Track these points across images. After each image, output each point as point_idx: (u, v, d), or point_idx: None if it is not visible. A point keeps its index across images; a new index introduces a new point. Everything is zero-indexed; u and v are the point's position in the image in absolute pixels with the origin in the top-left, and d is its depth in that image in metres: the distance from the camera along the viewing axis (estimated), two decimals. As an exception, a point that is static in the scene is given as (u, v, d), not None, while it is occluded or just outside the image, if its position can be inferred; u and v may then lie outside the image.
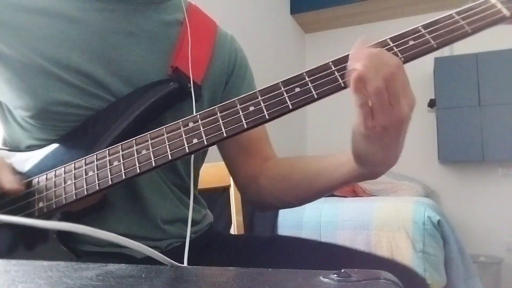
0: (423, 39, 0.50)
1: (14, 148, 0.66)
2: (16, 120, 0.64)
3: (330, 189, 0.64)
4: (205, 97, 0.69)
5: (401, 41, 0.51)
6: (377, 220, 2.08)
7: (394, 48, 0.50)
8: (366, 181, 3.20)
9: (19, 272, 0.30)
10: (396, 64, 0.46)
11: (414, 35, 0.51)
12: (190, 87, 0.63)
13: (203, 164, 0.79)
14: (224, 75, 0.73)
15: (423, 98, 3.44)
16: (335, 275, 0.26)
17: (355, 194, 3.21)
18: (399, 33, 0.51)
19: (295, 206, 0.71)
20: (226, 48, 0.74)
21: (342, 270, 0.27)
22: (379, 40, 0.51)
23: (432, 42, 0.50)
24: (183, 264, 0.36)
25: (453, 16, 0.51)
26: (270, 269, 0.30)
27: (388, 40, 0.51)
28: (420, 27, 0.51)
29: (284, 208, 0.76)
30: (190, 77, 0.64)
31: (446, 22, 0.51)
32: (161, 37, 0.66)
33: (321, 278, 0.26)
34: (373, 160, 0.53)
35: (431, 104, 3.38)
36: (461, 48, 3.13)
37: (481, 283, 2.03)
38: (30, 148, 0.62)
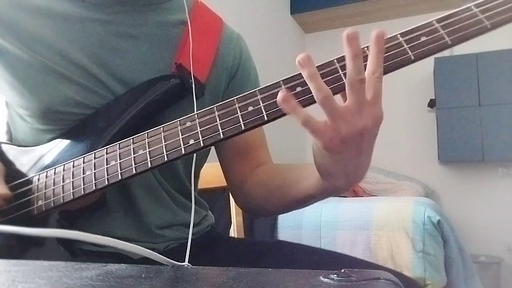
0: (436, 34, 0.46)
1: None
2: (20, 118, 0.64)
3: (302, 201, 0.61)
4: (208, 96, 0.68)
5: (412, 36, 0.47)
6: (377, 220, 2.07)
7: (404, 44, 0.47)
8: (366, 181, 3.23)
9: (19, 272, 0.30)
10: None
11: (427, 30, 0.47)
12: (191, 82, 0.62)
13: (204, 163, 0.78)
14: (228, 75, 0.72)
15: (423, 98, 3.44)
16: (335, 275, 0.26)
17: (355, 194, 3.20)
18: (411, 28, 0.47)
19: (275, 214, 0.70)
20: (231, 48, 0.73)
21: (342, 270, 0.27)
22: (390, 36, 0.47)
23: (447, 39, 0.46)
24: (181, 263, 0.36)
25: (471, 9, 0.46)
26: (270, 269, 0.30)
27: (398, 35, 0.47)
28: (434, 21, 0.47)
29: (267, 216, 0.74)
30: (192, 74, 0.63)
31: (463, 15, 0.46)
32: (163, 38, 0.66)
33: (321, 278, 0.26)
34: (332, 172, 0.50)
35: (431, 104, 3.37)
36: (461, 48, 3.12)
37: (481, 283, 2.03)
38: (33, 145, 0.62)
